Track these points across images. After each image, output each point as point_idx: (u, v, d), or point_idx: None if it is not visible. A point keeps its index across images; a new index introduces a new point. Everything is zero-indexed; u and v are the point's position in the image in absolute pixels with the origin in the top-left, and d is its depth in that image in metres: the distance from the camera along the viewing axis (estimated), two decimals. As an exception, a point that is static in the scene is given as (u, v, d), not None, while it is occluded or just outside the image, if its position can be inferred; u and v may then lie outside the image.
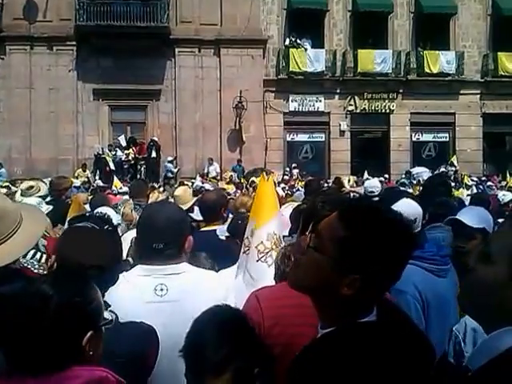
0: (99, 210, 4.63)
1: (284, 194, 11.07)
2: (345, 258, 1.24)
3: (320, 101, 21.19)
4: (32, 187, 6.48)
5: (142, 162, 19.29)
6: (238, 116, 20.02)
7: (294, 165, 20.17)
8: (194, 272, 2.14)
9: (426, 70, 21.21)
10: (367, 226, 1.25)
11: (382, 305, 1.34)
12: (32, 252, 3.21)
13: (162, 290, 1.98)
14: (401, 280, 1.36)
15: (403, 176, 18.04)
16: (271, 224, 2.85)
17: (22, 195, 5.80)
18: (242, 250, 2.96)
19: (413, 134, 22.11)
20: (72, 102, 19.35)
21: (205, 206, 4.09)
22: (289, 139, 21.59)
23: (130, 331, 1.73)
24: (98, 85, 19.38)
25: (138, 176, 18.62)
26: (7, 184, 13.49)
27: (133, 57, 18.89)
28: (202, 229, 3.94)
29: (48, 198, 6.02)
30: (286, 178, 18.78)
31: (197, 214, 4.28)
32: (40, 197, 5.87)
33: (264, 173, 3.21)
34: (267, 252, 2.73)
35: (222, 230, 3.62)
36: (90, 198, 7.70)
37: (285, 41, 21.02)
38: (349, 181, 16.46)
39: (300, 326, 1.70)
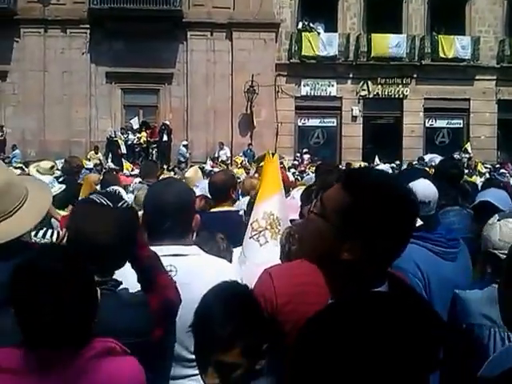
0: (110, 188, 4.67)
1: (294, 179, 11.11)
2: (345, 224, 1.25)
3: (332, 85, 21.06)
4: (53, 167, 6.63)
5: (154, 146, 19.38)
6: (250, 100, 19.97)
7: (305, 150, 20.13)
8: (203, 256, 2.12)
9: (441, 54, 20.96)
10: (369, 194, 1.25)
11: (393, 279, 1.33)
12: (43, 231, 3.28)
13: (171, 271, 1.93)
14: (402, 258, 1.35)
15: (415, 162, 17.94)
16: (270, 203, 2.80)
17: (40, 173, 5.88)
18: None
19: (426, 120, 21.92)
20: (85, 85, 19.45)
21: (214, 186, 4.03)
22: (300, 124, 21.51)
23: (136, 308, 1.72)
24: (111, 68, 19.43)
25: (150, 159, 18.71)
26: (21, 165, 13.63)
27: (145, 40, 18.87)
28: (212, 210, 3.90)
29: (61, 179, 6.12)
30: (297, 163, 18.77)
31: (200, 190, 4.26)
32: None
33: (270, 154, 3.15)
34: (260, 231, 2.70)
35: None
36: (100, 177, 7.90)
37: (297, 24, 20.87)
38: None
39: (313, 304, 1.65)
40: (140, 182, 5.93)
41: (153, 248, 1.99)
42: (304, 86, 20.95)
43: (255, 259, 2.43)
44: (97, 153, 18.40)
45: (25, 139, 19.27)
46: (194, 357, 1.74)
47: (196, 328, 1.57)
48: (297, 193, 4.33)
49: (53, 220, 3.85)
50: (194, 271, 1.99)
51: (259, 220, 2.72)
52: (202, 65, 19.92)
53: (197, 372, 1.75)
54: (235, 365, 1.52)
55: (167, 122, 19.61)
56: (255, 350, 1.55)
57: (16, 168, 11.89)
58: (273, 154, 3.17)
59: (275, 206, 2.79)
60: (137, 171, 12.37)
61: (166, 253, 1.97)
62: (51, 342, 1.26)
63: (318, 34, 20.70)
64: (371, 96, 21.34)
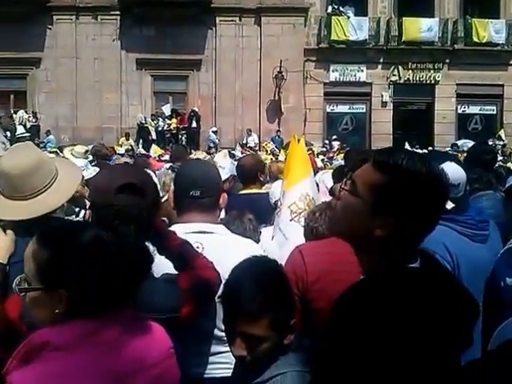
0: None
1: (323, 165, 11.08)
2: (377, 201, 1.27)
3: (362, 71, 20.80)
4: (87, 151, 6.85)
5: (183, 132, 19.54)
6: (278, 86, 19.88)
7: (334, 137, 19.97)
8: (229, 235, 2.17)
9: (474, 39, 20.48)
10: (400, 172, 1.26)
11: (424, 256, 1.35)
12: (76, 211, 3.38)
13: (198, 247, 1.97)
14: (431, 240, 1.36)
15: (449, 149, 17.65)
16: (304, 185, 2.87)
17: (74, 156, 6.06)
18: (276, 212, 3.04)
19: (458, 106, 21.51)
20: (116, 72, 19.67)
21: (242, 170, 4.13)
22: (329, 110, 21.35)
23: (167, 286, 1.75)
24: (141, 54, 19.60)
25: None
26: (55, 150, 13.96)
27: (175, 26, 18.99)
28: (241, 192, 3.99)
29: (94, 163, 6.29)
30: (326, 149, 18.67)
31: (227, 172, 4.34)
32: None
33: (296, 138, 3.23)
34: (300, 212, 2.77)
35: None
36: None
37: (327, 8, 20.63)
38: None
39: (344, 281, 1.69)
40: (170, 166, 6.01)
41: (180, 225, 2.07)
42: (333, 71, 20.74)
43: (298, 239, 2.47)
44: (128, 139, 18.65)
45: (58, 125, 19.65)
46: (223, 334, 1.78)
47: (225, 299, 1.61)
48: (323, 176, 4.50)
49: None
50: (220, 249, 2.02)
51: (297, 202, 2.79)
52: (231, 51, 19.90)
53: (227, 349, 1.81)
54: (262, 337, 1.55)
55: (196, 109, 19.72)
56: (283, 324, 1.57)
57: (50, 152, 12.21)
58: (299, 140, 3.24)
59: (309, 187, 2.87)
60: (166, 157, 12.53)
61: (192, 230, 2.03)
62: (94, 313, 1.28)
63: (348, 17, 20.44)
64: (402, 81, 21.01)
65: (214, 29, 19.89)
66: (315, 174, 4.72)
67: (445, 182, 1.35)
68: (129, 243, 1.35)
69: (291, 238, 2.62)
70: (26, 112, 19.23)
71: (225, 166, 5.06)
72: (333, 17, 20.34)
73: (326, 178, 4.34)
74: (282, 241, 2.70)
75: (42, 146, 15.72)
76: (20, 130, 17.16)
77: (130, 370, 1.28)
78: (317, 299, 1.83)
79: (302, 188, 2.85)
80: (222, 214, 2.76)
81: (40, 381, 1.20)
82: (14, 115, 18.68)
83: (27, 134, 16.18)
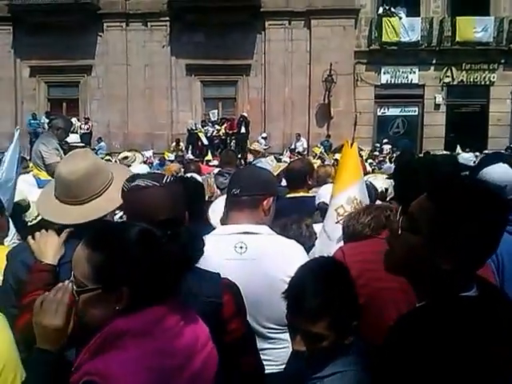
0: (188, 174, 4.93)
1: (371, 170, 10.85)
2: (439, 236, 1.27)
3: (414, 72, 20.29)
4: (127, 157, 6.77)
5: (233, 138, 19.49)
6: (328, 90, 19.59)
7: (385, 140, 19.57)
8: (273, 236, 2.17)
9: (532, 38, 19.69)
10: (457, 203, 1.26)
11: (481, 283, 1.35)
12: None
13: (241, 247, 2.03)
14: None
15: (504, 152, 17.01)
16: (352, 189, 2.91)
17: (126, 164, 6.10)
18: (320, 213, 3.08)
19: (514, 108, 20.73)
20: (166, 78, 19.77)
21: (290, 173, 4.19)
22: (379, 113, 20.92)
23: (211, 277, 1.74)
24: (191, 60, 19.63)
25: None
26: (108, 157, 14.14)
27: (224, 31, 18.95)
28: (288, 196, 3.95)
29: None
30: (377, 153, 18.30)
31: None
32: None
33: (349, 143, 3.24)
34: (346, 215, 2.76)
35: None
36: (180, 167, 8.24)
37: (378, 9, 20.21)
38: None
39: (384, 280, 1.77)
40: (219, 171, 5.98)
41: (224, 226, 2.13)
42: (384, 73, 20.31)
43: (342, 242, 2.53)
44: (178, 145, 18.74)
45: (110, 132, 19.92)
46: (267, 331, 1.93)
47: (288, 296, 1.64)
48: (374, 181, 4.62)
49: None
50: (263, 249, 2.06)
51: (344, 205, 2.85)
52: (280, 55, 19.72)
53: (270, 346, 1.94)
54: (322, 336, 1.57)
55: (245, 114, 19.63)
56: (343, 325, 1.59)
57: (102, 159, 12.40)
58: (351, 144, 3.26)
59: (358, 192, 2.93)
60: (215, 162, 12.52)
61: (236, 231, 2.08)
62: (154, 303, 1.35)
63: (400, 18, 19.95)
64: (455, 83, 20.39)
65: (263, 33, 19.75)
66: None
67: (506, 203, 1.33)
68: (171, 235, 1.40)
69: (335, 239, 2.68)
70: (79, 119, 19.56)
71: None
72: (384, 18, 19.90)
73: (376, 182, 4.48)
74: (326, 242, 2.77)
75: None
76: (73, 138, 17.44)
77: (191, 351, 1.37)
78: (358, 296, 1.86)
79: (351, 192, 2.91)
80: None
81: (126, 366, 1.25)
82: (72, 123, 19.02)
83: (81, 144, 16.46)
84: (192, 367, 1.36)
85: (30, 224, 3.23)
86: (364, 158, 17.12)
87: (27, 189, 3.99)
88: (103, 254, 1.33)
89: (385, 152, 18.66)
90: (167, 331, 1.34)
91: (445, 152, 17.14)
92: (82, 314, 1.37)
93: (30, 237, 1.88)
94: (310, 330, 1.57)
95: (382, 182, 4.76)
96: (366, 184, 3.95)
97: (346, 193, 2.89)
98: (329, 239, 2.76)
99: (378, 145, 19.49)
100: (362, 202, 2.83)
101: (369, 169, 10.86)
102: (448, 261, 1.26)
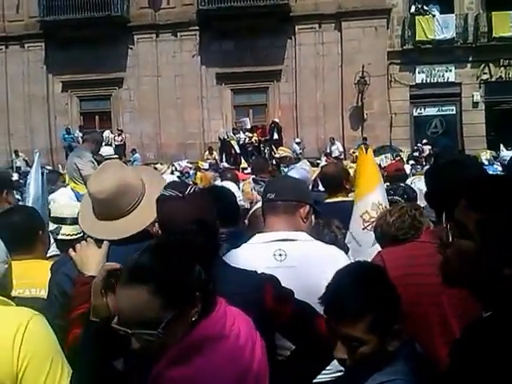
0: (223, 183, 5.03)
1: (412, 172, 10.57)
2: (494, 240, 1.21)
3: (450, 70, 19.76)
4: (156, 169, 6.80)
5: (265, 144, 19.26)
6: (361, 92, 19.26)
7: (424, 141, 19.02)
8: (312, 242, 2.15)
9: None
10: (498, 203, 1.23)
11: None
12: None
13: (280, 255, 2.02)
14: None
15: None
16: (375, 194, 2.91)
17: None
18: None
19: (556, 103, 19.96)
20: (196, 88, 19.71)
21: (326, 178, 4.12)
22: (416, 114, 20.42)
23: (249, 274, 1.75)
24: (221, 68, 19.53)
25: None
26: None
27: (253, 38, 18.83)
28: (326, 201, 3.83)
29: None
30: (417, 154, 17.79)
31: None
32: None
33: (363, 146, 3.42)
34: (372, 221, 2.76)
35: None
36: (216, 175, 8.39)
37: (410, 8, 19.84)
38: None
39: (424, 285, 1.79)
40: (254, 179, 5.96)
41: (262, 234, 2.12)
42: (419, 72, 19.85)
43: (372, 247, 2.52)
44: (211, 153, 18.61)
45: (143, 143, 19.94)
46: None
47: (325, 301, 1.60)
48: (418, 183, 4.68)
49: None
50: (302, 255, 2.04)
51: (369, 211, 2.84)
52: (311, 59, 19.47)
53: None
54: (362, 340, 1.52)
55: (277, 120, 19.41)
56: (384, 328, 1.53)
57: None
58: (366, 149, 3.29)
59: (380, 196, 2.92)
60: (249, 170, 12.37)
61: (274, 238, 2.07)
62: (214, 305, 1.38)
63: (433, 16, 19.51)
64: (493, 80, 19.80)
65: (293, 38, 19.53)
66: (404, 180, 4.99)
67: None
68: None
69: (365, 245, 2.67)
70: (112, 132, 19.61)
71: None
72: (417, 16, 19.50)
73: (420, 184, 4.45)
74: (356, 248, 2.74)
75: (128, 164, 15.92)
76: (107, 151, 17.50)
77: (250, 349, 1.39)
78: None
79: (374, 197, 2.89)
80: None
81: (212, 371, 1.29)
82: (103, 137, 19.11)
83: (115, 156, 16.47)
84: (255, 360, 1.40)
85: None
86: (405, 159, 16.72)
87: (67, 202, 4.31)
88: (170, 274, 1.30)
89: (426, 153, 18.14)
90: (233, 331, 1.37)
91: (488, 152, 16.64)
92: (161, 345, 1.31)
93: (71, 249, 1.89)
94: (350, 334, 1.53)
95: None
96: (406, 186, 4.03)
97: (368, 198, 2.90)
98: (359, 245, 2.75)
99: (419, 145, 18.92)
100: (387, 207, 2.78)
101: (409, 171, 10.58)
102: (509, 265, 1.20)
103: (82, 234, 3.15)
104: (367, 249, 2.56)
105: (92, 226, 1.96)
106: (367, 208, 2.86)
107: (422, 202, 3.06)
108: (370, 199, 2.88)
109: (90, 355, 1.44)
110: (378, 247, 2.40)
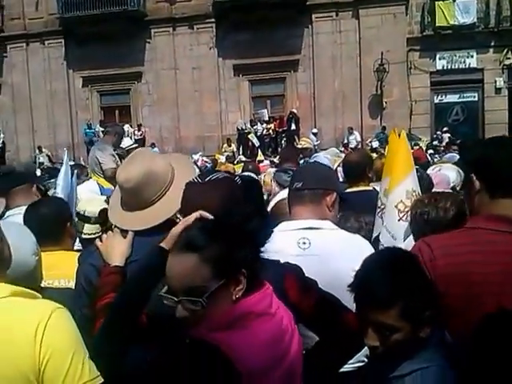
0: (245, 173, 4.92)
1: (431, 160, 10.48)
2: None
3: (471, 56, 19.29)
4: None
5: (283, 135, 19.21)
6: (380, 80, 19.00)
7: (444, 128, 18.67)
8: (337, 231, 2.14)
9: None
10: None
11: None
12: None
13: (304, 243, 2.02)
14: None
15: None
16: (408, 181, 2.78)
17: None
18: (376, 212, 2.95)
19: None
20: (214, 80, 19.73)
21: (348, 167, 3.93)
22: (437, 101, 20.03)
23: (272, 264, 1.70)
24: (238, 60, 19.51)
25: (279, 149, 18.63)
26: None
27: (270, 28, 18.70)
28: (348, 190, 3.67)
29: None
30: (436, 143, 17.51)
31: None
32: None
33: (396, 133, 3.04)
34: (407, 211, 2.67)
35: None
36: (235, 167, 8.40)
37: (429, -7, 19.37)
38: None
39: (477, 273, 1.72)
40: (281, 169, 5.75)
41: (287, 222, 2.12)
42: (440, 59, 19.43)
43: (408, 239, 2.46)
44: (230, 146, 18.66)
45: (162, 137, 20.10)
46: None
47: (355, 289, 1.58)
48: (446, 171, 4.63)
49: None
50: (326, 244, 2.04)
51: (404, 200, 2.72)
52: (328, 47, 19.26)
53: None
54: (394, 327, 1.51)
55: (294, 111, 19.32)
56: (416, 315, 1.52)
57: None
58: (399, 134, 3.06)
59: (414, 184, 2.79)
60: (267, 162, 12.36)
61: (299, 226, 2.07)
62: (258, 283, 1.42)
63: (454, 1, 19.02)
64: (517, 64, 19.25)
65: (310, 27, 19.34)
66: (427, 168, 4.87)
67: None
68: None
69: (400, 238, 2.59)
70: (131, 126, 19.83)
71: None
72: (436, 2, 19.04)
73: (448, 171, 4.47)
74: (389, 241, 2.63)
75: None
76: (127, 142, 17.69)
77: (290, 333, 1.42)
78: (449, 294, 1.74)
79: (408, 185, 2.76)
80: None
81: (253, 344, 1.30)
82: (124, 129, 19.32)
83: (135, 145, 16.63)
84: (292, 350, 1.41)
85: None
86: (424, 148, 16.47)
87: (90, 197, 4.25)
88: (218, 245, 1.35)
89: (445, 141, 17.83)
90: (277, 313, 1.40)
91: None
92: (204, 316, 1.35)
93: (97, 239, 1.93)
94: (382, 322, 1.51)
95: (453, 172, 4.64)
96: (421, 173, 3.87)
97: (402, 186, 2.75)
98: (393, 239, 2.66)
99: (438, 133, 18.60)
100: (421, 195, 2.69)
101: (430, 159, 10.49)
102: None
103: (100, 234, 3.26)
104: (402, 241, 2.48)
105: (118, 217, 1.97)
106: (402, 197, 2.72)
107: (445, 188, 3.07)
108: (404, 187, 2.74)
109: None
110: (411, 239, 2.35)
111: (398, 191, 2.75)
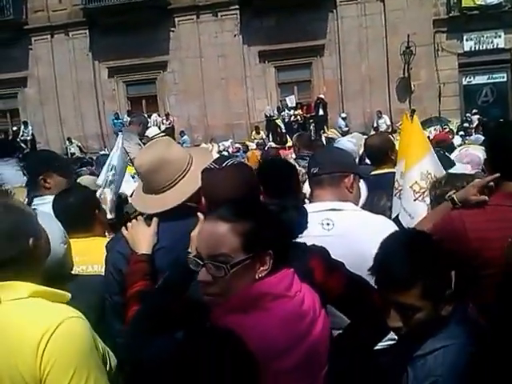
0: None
1: (462, 143, 10.39)
2: None
3: (499, 36, 19.02)
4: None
5: (311, 121, 19.16)
6: (407, 63, 18.86)
7: (474, 111, 18.52)
8: (359, 212, 2.18)
9: None
10: None
11: None
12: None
13: (328, 224, 2.05)
14: None
15: None
16: (424, 163, 2.83)
17: None
18: (394, 193, 3.01)
19: None
20: (240, 67, 19.64)
21: (370, 150, 3.99)
22: (465, 83, 19.83)
23: (298, 246, 1.71)
24: (263, 46, 19.40)
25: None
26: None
27: (294, 13, 18.56)
28: (372, 173, 3.74)
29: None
30: (467, 125, 17.40)
31: None
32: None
33: (407, 114, 3.14)
34: (423, 192, 2.75)
35: None
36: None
37: (455, -27, 19.12)
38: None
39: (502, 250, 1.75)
40: (299, 155, 5.93)
41: (310, 205, 2.18)
42: (467, 40, 19.20)
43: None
44: (258, 133, 18.65)
45: (191, 125, 20.07)
46: None
47: (376, 270, 1.59)
48: (474, 150, 4.69)
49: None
50: (349, 225, 2.06)
51: (419, 181, 2.79)
52: (354, 31, 19.11)
53: None
54: (416, 307, 1.52)
55: (322, 96, 19.23)
56: (437, 294, 1.53)
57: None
58: (412, 116, 3.16)
59: (430, 165, 2.84)
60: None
61: (321, 208, 2.10)
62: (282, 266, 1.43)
63: (480, -20, 18.78)
64: (546, 43, 19.00)
65: (334, 11, 19.17)
66: (450, 151, 4.97)
67: None
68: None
69: (418, 217, 2.63)
70: (159, 115, 19.84)
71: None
72: (463, -19, 18.80)
73: (477, 151, 4.51)
74: (408, 221, 2.70)
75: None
76: (153, 131, 17.73)
77: (313, 315, 1.43)
78: (480, 266, 1.82)
79: (423, 166, 2.83)
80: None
81: (269, 325, 1.32)
82: (148, 119, 19.34)
83: (162, 134, 16.67)
84: (314, 332, 1.41)
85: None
86: (454, 130, 16.38)
87: (124, 185, 4.40)
88: (250, 221, 1.39)
89: (475, 124, 17.71)
90: (297, 295, 1.41)
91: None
92: (225, 288, 1.38)
93: (123, 227, 1.97)
94: (403, 302, 1.52)
95: (480, 153, 4.67)
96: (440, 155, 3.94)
97: (417, 168, 2.82)
98: (411, 218, 2.71)
99: (468, 115, 18.46)
100: (436, 177, 2.73)
101: (459, 142, 10.40)
102: None
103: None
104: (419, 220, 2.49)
105: (138, 200, 2.07)
106: (416, 179, 2.79)
107: (475, 169, 3.08)
108: (419, 169, 2.80)
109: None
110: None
111: (413, 173, 2.82)
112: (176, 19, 19.86)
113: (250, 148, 16.15)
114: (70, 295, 1.51)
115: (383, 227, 1.97)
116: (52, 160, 3.24)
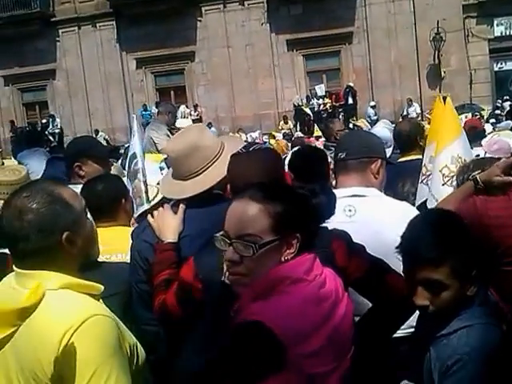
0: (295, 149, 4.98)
1: (493, 130, 10.22)
2: None
3: (531, 20, 18.63)
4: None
5: (340, 110, 19.00)
6: (437, 49, 18.54)
7: (505, 97, 18.11)
8: (382, 198, 2.16)
9: None
10: None
11: None
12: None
13: (350, 210, 2.05)
14: None
15: None
16: (454, 146, 2.78)
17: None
18: (420, 180, 2.96)
19: None
20: (268, 56, 19.59)
21: (399, 136, 3.96)
22: (496, 69, 19.41)
23: (320, 231, 1.69)
24: (291, 35, 19.29)
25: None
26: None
27: (321, 0, 18.37)
28: (400, 159, 3.75)
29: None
30: (498, 112, 17.05)
31: None
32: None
33: (441, 99, 3.07)
34: (452, 176, 2.68)
35: None
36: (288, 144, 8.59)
37: (486, -43, 18.66)
38: None
39: None
40: (325, 145, 5.90)
41: (335, 190, 2.06)
42: (497, 25, 18.78)
43: None
44: (286, 123, 18.59)
45: (218, 116, 20.13)
46: None
47: (404, 249, 1.59)
48: (503, 136, 4.71)
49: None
50: (371, 211, 2.06)
51: (449, 165, 2.73)
52: (383, 18, 18.85)
53: None
54: (444, 284, 1.52)
55: (351, 84, 19.06)
56: (464, 272, 1.54)
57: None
58: (444, 99, 3.08)
59: (460, 149, 2.79)
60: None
61: (344, 194, 2.07)
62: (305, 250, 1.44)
63: (512, -37, 18.27)
64: None
65: (362, -2, 18.96)
66: (481, 138, 4.90)
67: None
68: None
69: None
70: (187, 106, 19.88)
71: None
72: (493, -35, 18.32)
73: (507, 138, 4.50)
74: (434, 204, 2.67)
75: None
76: (184, 122, 17.76)
77: (335, 299, 1.42)
78: (500, 243, 1.81)
79: (453, 150, 2.78)
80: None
81: (289, 309, 1.32)
82: (176, 109, 19.38)
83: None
84: (337, 315, 1.40)
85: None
86: (485, 117, 16.08)
87: (151, 177, 4.21)
88: (281, 204, 1.40)
89: (506, 110, 17.36)
90: (317, 279, 1.41)
91: None
92: (251, 268, 1.39)
93: (149, 215, 1.99)
94: (432, 278, 1.52)
95: (510, 138, 4.71)
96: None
97: (447, 151, 2.77)
98: (437, 203, 2.64)
99: (499, 102, 18.10)
100: (467, 161, 2.67)
101: (490, 129, 10.25)
102: None
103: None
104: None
105: (166, 187, 2.10)
106: (447, 162, 2.75)
107: (505, 155, 3.11)
108: (449, 152, 2.76)
109: None
110: None
111: (444, 156, 2.77)
112: (203, 8, 19.87)
113: (276, 138, 16.11)
114: (102, 287, 1.47)
115: (405, 213, 1.96)
116: (89, 147, 3.18)
